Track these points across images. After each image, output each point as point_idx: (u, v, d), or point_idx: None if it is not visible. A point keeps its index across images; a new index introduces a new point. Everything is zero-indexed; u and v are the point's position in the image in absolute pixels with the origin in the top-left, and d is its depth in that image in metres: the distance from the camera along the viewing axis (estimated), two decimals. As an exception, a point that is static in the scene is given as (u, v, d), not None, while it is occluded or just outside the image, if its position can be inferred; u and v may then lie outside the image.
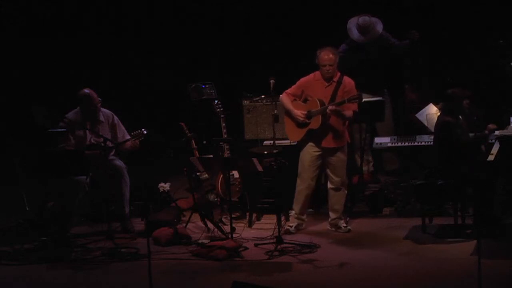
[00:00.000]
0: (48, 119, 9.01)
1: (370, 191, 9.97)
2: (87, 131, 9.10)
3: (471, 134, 8.60)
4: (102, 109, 9.22)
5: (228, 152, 9.38)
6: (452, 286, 7.19)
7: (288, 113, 8.85)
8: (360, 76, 10.30)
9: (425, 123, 9.52)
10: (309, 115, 8.69)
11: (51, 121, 9.00)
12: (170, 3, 12.42)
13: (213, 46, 12.33)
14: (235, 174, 9.35)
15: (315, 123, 8.65)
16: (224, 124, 9.48)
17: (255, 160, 8.42)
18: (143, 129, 8.94)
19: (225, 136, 9.44)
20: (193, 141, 9.64)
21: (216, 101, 9.63)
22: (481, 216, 8.32)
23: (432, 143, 9.12)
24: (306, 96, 8.81)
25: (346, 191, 8.92)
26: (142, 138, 8.95)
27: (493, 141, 8.61)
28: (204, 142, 9.87)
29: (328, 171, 8.87)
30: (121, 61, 12.20)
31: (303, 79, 8.88)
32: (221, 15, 12.32)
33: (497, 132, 8.54)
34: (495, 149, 8.45)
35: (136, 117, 10.53)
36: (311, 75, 8.84)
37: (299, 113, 8.73)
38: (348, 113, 8.68)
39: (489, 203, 8.36)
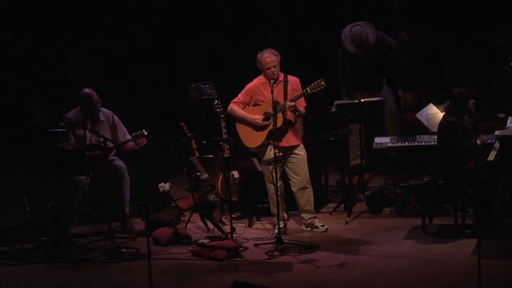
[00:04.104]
0: (48, 119, 9.01)
1: (370, 191, 9.97)
2: (87, 131, 9.09)
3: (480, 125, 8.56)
4: (102, 108, 9.20)
5: (228, 152, 9.38)
6: (452, 286, 7.18)
7: (242, 121, 8.80)
8: (358, 79, 10.38)
9: (425, 123, 9.52)
10: (267, 117, 8.66)
11: (51, 121, 9.00)
12: (171, 2, 12.42)
13: (213, 46, 12.33)
14: (235, 174, 9.35)
15: (277, 122, 8.55)
16: (224, 124, 9.48)
17: (255, 160, 8.42)
18: (143, 130, 8.93)
19: (225, 136, 9.44)
20: (193, 141, 9.65)
21: (216, 101, 9.62)
22: (481, 216, 8.32)
23: (432, 143, 9.12)
24: (255, 101, 8.79)
25: (312, 190, 8.82)
26: (143, 138, 8.95)
27: (493, 141, 8.60)
28: (204, 142, 9.86)
29: (289, 171, 8.79)
30: (121, 61, 12.19)
31: (249, 86, 8.83)
32: (222, 14, 12.32)
33: (497, 132, 8.52)
34: (494, 149, 8.44)
35: (136, 117, 10.52)
36: (255, 80, 8.80)
37: (257, 116, 8.71)
38: (302, 109, 8.70)
39: (489, 203, 8.35)
